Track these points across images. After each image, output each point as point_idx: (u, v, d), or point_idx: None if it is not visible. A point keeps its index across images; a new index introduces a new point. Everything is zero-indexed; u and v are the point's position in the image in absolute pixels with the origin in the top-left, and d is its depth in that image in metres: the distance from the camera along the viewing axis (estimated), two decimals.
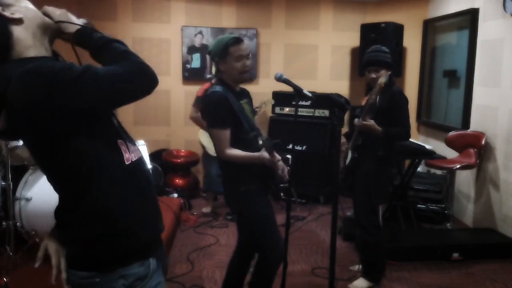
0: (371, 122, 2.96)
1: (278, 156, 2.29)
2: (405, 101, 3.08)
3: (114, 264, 1.31)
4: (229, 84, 2.44)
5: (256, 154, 2.31)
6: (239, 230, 2.68)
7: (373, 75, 3.04)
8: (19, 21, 1.29)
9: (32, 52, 1.29)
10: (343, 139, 3.29)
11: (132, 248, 1.34)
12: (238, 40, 2.40)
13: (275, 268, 2.54)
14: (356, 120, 3.07)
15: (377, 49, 3.13)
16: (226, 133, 2.35)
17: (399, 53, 5.38)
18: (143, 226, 1.38)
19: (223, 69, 2.42)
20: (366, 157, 3.12)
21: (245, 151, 2.37)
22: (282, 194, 2.71)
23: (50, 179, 1.36)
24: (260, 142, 2.24)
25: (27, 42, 1.29)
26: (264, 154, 2.26)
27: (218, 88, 2.38)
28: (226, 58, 2.37)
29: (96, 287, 1.31)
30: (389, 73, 3.06)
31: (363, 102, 3.20)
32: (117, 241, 1.32)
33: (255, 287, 2.60)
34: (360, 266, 3.28)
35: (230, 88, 2.42)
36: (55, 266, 1.35)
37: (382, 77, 2.88)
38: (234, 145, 2.38)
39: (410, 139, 4.39)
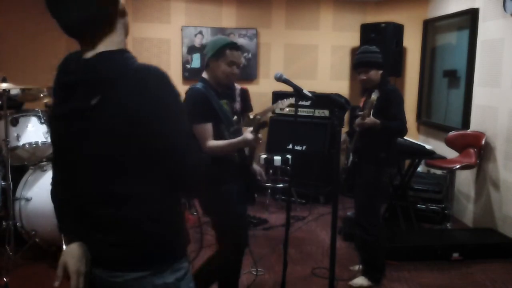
0: (369, 119, 2.95)
1: (260, 136, 2.32)
2: (399, 98, 3.09)
3: (167, 260, 1.31)
4: (211, 83, 2.47)
5: (239, 138, 2.32)
6: (217, 231, 2.59)
7: (363, 77, 3.08)
8: (123, 13, 1.27)
9: (122, 46, 1.28)
10: (345, 137, 3.31)
11: (182, 244, 1.36)
12: (237, 47, 2.45)
13: (228, 267, 2.60)
14: (356, 120, 3.07)
15: (364, 50, 3.14)
16: (208, 127, 2.36)
17: (399, 53, 5.37)
18: (183, 225, 1.41)
19: (211, 66, 2.46)
20: (367, 158, 3.12)
21: None
22: (258, 193, 2.71)
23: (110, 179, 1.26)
24: (251, 117, 2.28)
25: (120, 36, 1.28)
26: (248, 135, 2.27)
27: (198, 85, 2.43)
28: (219, 57, 2.41)
29: (151, 285, 1.29)
30: (380, 72, 3.07)
31: (361, 104, 3.22)
32: (170, 239, 1.32)
33: (203, 274, 2.57)
34: (360, 266, 3.29)
35: (211, 87, 2.45)
36: None
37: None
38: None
39: (410, 140, 4.42)
